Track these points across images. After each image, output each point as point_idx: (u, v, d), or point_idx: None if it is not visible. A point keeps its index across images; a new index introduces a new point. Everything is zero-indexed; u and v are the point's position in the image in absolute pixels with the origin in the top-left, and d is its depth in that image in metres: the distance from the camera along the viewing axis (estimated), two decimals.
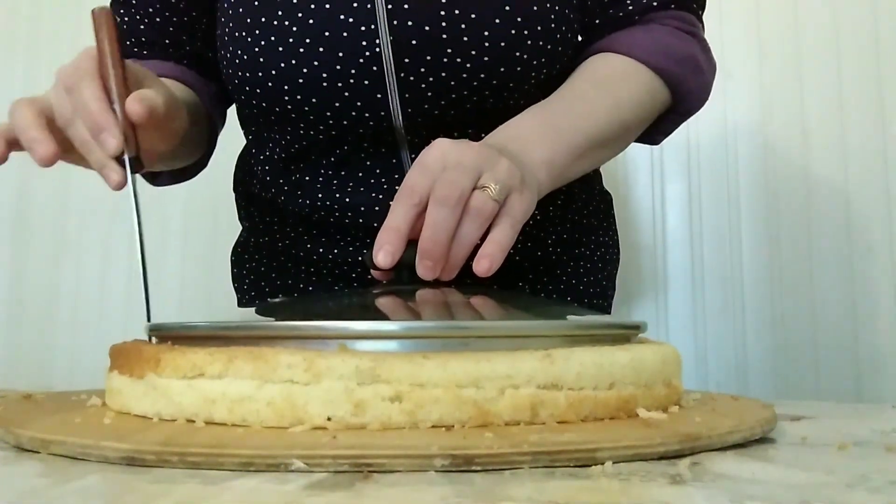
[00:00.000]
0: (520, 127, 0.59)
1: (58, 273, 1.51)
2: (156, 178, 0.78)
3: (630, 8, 0.67)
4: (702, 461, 0.35)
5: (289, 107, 0.62)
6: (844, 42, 1.20)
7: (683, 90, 0.67)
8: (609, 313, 0.80)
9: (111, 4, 0.72)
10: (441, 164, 0.50)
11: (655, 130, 0.71)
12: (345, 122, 0.62)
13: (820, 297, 1.18)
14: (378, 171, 0.66)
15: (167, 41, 0.71)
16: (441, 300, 0.50)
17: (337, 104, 0.61)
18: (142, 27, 0.71)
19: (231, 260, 0.82)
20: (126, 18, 0.71)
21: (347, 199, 0.67)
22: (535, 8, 0.60)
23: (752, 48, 1.24)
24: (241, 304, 0.82)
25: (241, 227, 0.84)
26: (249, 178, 0.76)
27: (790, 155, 1.21)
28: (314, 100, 0.61)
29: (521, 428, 0.37)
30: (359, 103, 0.61)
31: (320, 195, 0.68)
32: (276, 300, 0.75)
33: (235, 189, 0.82)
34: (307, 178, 0.68)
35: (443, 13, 0.58)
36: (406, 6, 0.58)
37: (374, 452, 0.32)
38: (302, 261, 0.74)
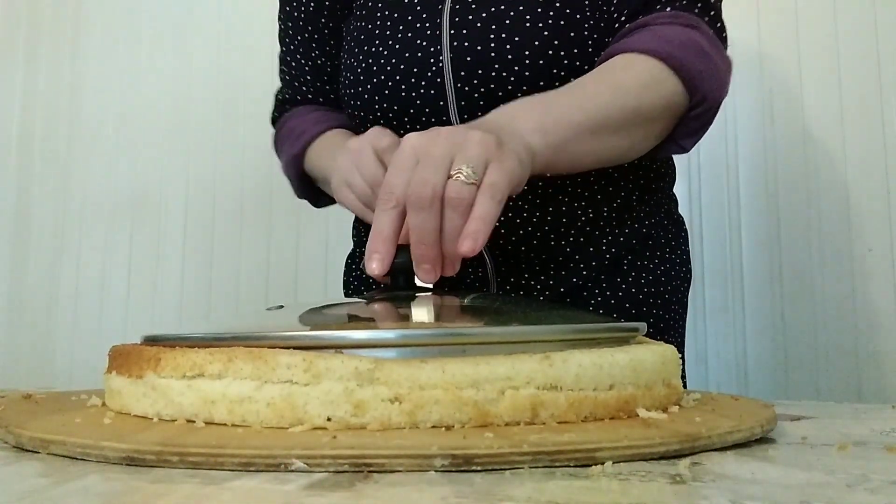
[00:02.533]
0: (511, 105, 0.61)
1: (58, 273, 1.51)
2: (319, 200, 0.87)
3: (624, 17, 0.70)
4: (702, 461, 0.35)
5: (378, 114, 0.75)
6: (845, 42, 1.20)
7: (690, 73, 0.66)
8: (678, 330, 0.80)
9: (279, 64, 0.89)
10: (413, 159, 0.51)
11: (681, 133, 0.70)
12: (417, 127, 0.73)
13: (820, 298, 1.18)
14: None
15: (319, 92, 0.87)
16: (439, 306, 0.50)
17: (411, 110, 0.73)
18: (296, 84, 0.87)
19: (343, 270, 0.90)
20: (287, 78, 0.88)
21: None
22: (572, 34, 0.70)
23: (752, 48, 1.24)
24: None
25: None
26: None
27: (790, 155, 1.22)
28: (395, 107, 0.74)
29: (521, 428, 0.37)
30: (427, 109, 0.73)
31: None
32: (276, 307, 0.75)
33: None
34: None
35: (492, 37, 0.70)
36: (464, 31, 0.71)
37: (374, 452, 0.32)
38: None
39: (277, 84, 0.90)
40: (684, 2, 0.70)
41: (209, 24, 1.49)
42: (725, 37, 0.73)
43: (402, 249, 0.50)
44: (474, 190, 0.49)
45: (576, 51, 0.70)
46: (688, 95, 0.67)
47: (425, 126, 0.69)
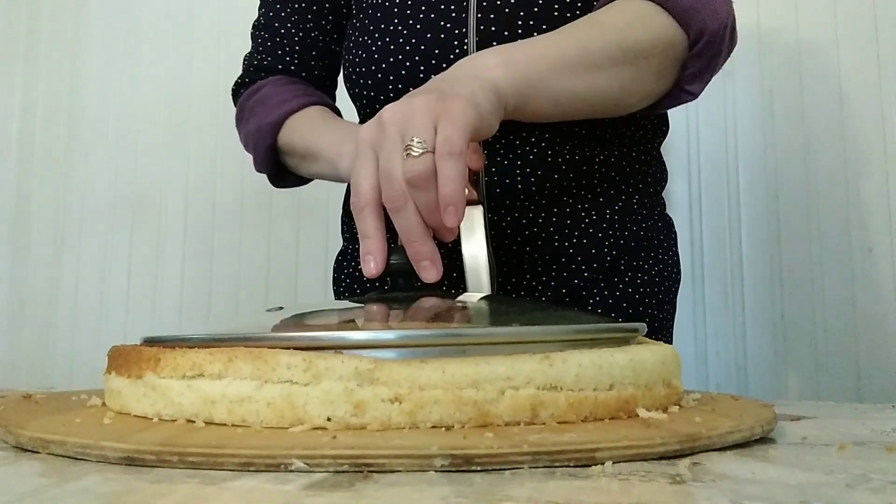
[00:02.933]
0: (477, 53, 0.60)
1: (58, 273, 1.51)
2: (281, 178, 0.83)
3: None
4: (702, 461, 0.35)
5: (391, 95, 0.72)
6: (845, 41, 1.20)
7: (679, 6, 0.64)
8: (669, 330, 0.81)
9: (253, 30, 0.86)
10: (371, 153, 0.51)
11: (686, 77, 0.68)
12: None
13: (820, 297, 1.18)
14: None
15: (303, 66, 0.83)
16: (439, 307, 0.50)
17: None
18: (279, 52, 0.83)
19: (333, 267, 0.88)
20: (269, 44, 0.84)
21: None
22: None
23: (752, 48, 1.24)
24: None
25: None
26: None
27: (790, 155, 1.22)
28: (411, 89, 0.65)
29: (521, 428, 0.37)
30: None
31: None
32: (275, 308, 0.76)
33: (344, 207, 0.88)
34: None
35: (520, 23, 0.69)
36: (492, 16, 0.69)
37: (374, 452, 0.32)
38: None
39: None
40: None
41: (209, 24, 1.49)
42: None
43: (397, 250, 0.51)
44: (430, 158, 0.48)
45: None
46: (683, 32, 0.65)
47: None
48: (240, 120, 0.84)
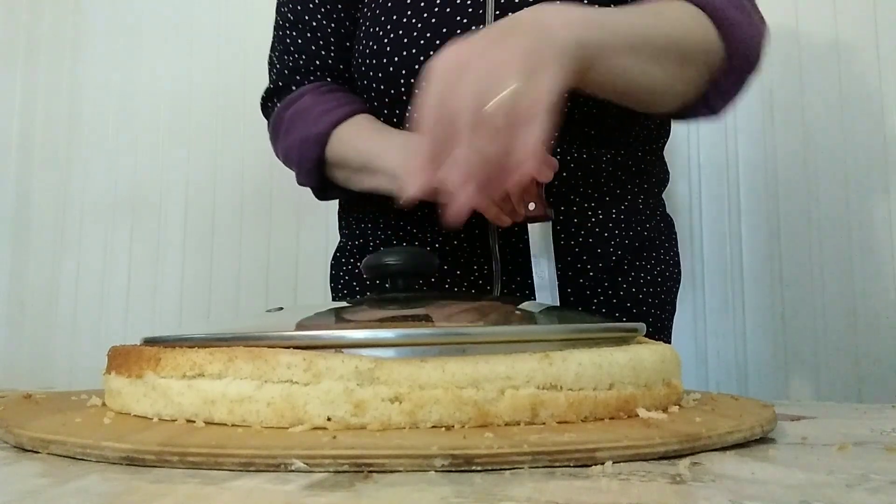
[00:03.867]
0: (553, 3, 0.55)
1: (58, 273, 1.51)
2: (327, 191, 0.79)
3: None
4: (702, 461, 0.35)
5: (402, 89, 0.70)
6: (845, 41, 1.20)
7: (727, 20, 0.63)
8: (669, 329, 0.81)
9: (277, 30, 0.81)
10: (445, 109, 0.46)
11: (713, 92, 0.67)
12: None
13: (820, 297, 1.18)
14: None
15: (338, 62, 0.79)
16: (439, 306, 0.50)
17: None
18: (314, 48, 0.79)
19: (331, 264, 0.87)
20: (300, 41, 0.79)
21: None
22: None
23: None
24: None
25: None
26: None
27: (790, 155, 1.21)
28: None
29: (521, 428, 0.37)
30: None
31: None
32: (275, 309, 0.76)
33: (341, 203, 0.87)
34: None
35: None
36: (510, 13, 0.65)
37: (374, 452, 0.32)
38: None
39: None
40: None
41: (209, 24, 1.49)
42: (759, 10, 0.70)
43: (399, 251, 0.50)
44: (521, 107, 0.45)
45: None
46: (722, 45, 0.64)
47: None
48: (277, 132, 0.78)
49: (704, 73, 0.65)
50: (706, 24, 0.63)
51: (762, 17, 0.69)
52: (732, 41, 0.64)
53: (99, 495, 0.29)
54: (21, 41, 1.57)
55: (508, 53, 0.46)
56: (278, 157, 0.80)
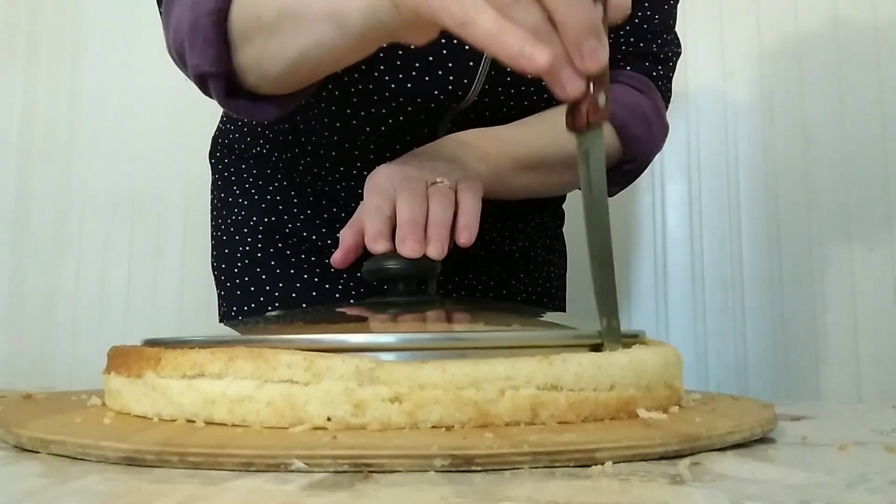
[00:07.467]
0: (460, 134, 0.65)
1: (58, 273, 1.51)
2: (234, 93, 0.59)
3: None
4: (702, 461, 0.35)
5: (365, 137, 0.71)
6: (845, 41, 1.20)
7: (629, 135, 0.70)
8: (563, 310, 0.91)
9: None
10: (390, 183, 0.55)
11: (609, 181, 0.72)
12: (408, 139, 0.71)
13: (820, 297, 1.18)
14: None
15: None
16: (438, 311, 0.50)
17: (397, 146, 0.71)
18: None
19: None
20: None
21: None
22: None
23: (752, 48, 1.24)
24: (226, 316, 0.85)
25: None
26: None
27: (790, 155, 1.21)
28: (384, 139, 0.71)
29: (522, 428, 0.37)
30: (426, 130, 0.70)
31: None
32: (273, 313, 0.76)
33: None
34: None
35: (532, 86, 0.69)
36: (504, 71, 0.67)
37: (374, 452, 0.32)
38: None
39: None
40: (647, 64, 0.75)
41: None
42: (669, 97, 0.78)
43: (396, 255, 0.51)
44: (453, 193, 0.55)
45: None
46: (622, 151, 0.71)
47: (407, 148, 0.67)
48: (167, 14, 0.64)
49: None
50: (609, 135, 0.69)
51: (664, 123, 0.76)
52: (630, 150, 0.71)
53: (99, 495, 0.29)
54: (21, 41, 1.57)
55: (440, 167, 0.57)
56: (171, 56, 0.65)
